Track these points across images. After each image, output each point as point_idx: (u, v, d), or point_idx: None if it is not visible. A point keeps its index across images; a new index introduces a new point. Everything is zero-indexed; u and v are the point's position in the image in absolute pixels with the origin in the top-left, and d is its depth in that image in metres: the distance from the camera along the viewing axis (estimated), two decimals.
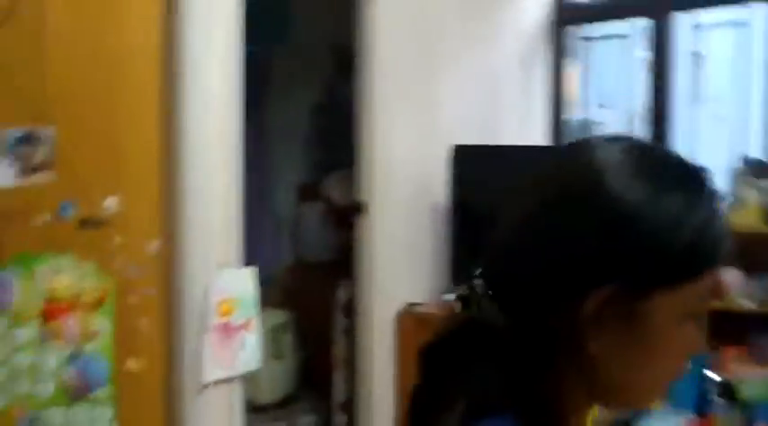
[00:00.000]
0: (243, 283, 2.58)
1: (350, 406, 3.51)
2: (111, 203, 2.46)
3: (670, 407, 3.08)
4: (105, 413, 2.41)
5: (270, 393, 3.73)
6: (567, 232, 0.67)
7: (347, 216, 3.76)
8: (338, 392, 3.57)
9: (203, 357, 2.46)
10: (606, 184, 0.67)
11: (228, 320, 2.53)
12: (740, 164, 3.58)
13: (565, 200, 0.69)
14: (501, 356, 0.68)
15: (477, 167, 3.25)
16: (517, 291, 0.69)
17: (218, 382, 2.52)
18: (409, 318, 3.18)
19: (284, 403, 3.89)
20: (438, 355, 0.72)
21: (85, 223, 2.45)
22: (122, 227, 2.45)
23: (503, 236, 0.73)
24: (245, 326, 2.57)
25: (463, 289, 0.72)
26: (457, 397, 0.67)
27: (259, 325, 2.61)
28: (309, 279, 4.02)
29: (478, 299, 0.70)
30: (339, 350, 3.56)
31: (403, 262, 3.24)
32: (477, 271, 0.73)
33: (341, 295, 3.55)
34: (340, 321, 3.56)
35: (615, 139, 0.74)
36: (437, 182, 3.32)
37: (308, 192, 4.25)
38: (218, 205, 2.56)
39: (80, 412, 2.43)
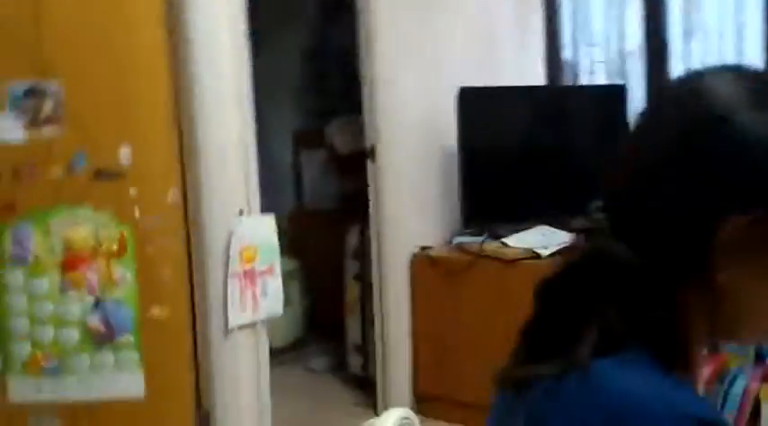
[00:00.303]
0: (264, 230, 2.60)
1: (364, 348, 3.57)
2: (124, 154, 2.45)
3: None
4: (131, 357, 2.45)
5: (280, 338, 3.78)
6: (701, 165, 0.68)
7: (352, 162, 3.78)
8: (352, 335, 3.63)
9: (228, 303, 2.48)
10: (733, 116, 0.68)
11: (251, 266, 2.55)
12: None
13: (695, 135, 0.69)
14: (627, 289, 0.68)
15: (483, 109, 3.26)
16: (646, 224, 0.70)
17: (242, 327, 2.56)
18: (422, 261, 3.22)
19: (294, 347, 3.96)
20: (559, 290, 0.72)
21: (100, 174, 2.44)
22: (138, 178, 2.45)
23: (629, 171, 0.73)
24: (267, 272, 2.59)
25: (585, 222, 0.73)
26: (585, 331, 0.68)
27: (280, 271, 2.64)
28: (314, 226, 4.05)
29: (601, 233, 0.71)
30: (351, 294, 3.61)
31: (413, 206, 3.27)
32: (597, 204, 0.73)
33: (351, 240, 3.58)
34: (351, 266, 3.60)
35: (725, 69, 0.75)
36: (444, 125, 3.33)
37: (307, 140, 4.25)
38: (233, 152, 2.55)
39: (106, 356, 2.46)
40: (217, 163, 2.49)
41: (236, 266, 2.51)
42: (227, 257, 2.49)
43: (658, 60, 3.98)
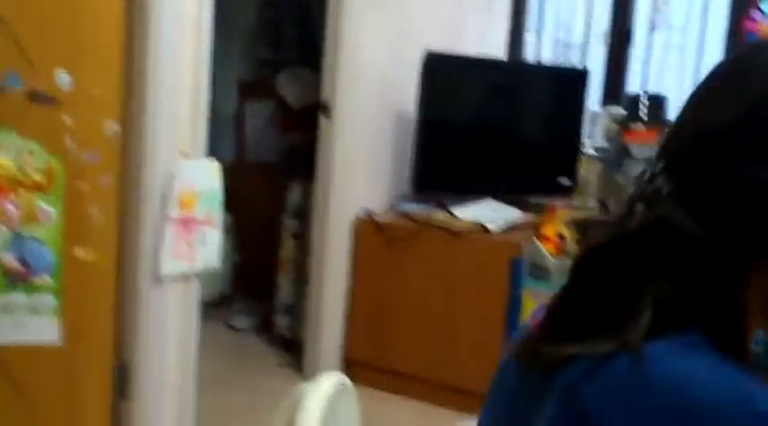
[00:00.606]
0: (207, 176, 2.43)
1: (294, 309, 3.45)
2: (63, 79, 2.23)
3: None
4: (48, 301, 2.26)
5: (204, 293, 3.61)
6: None
7: (301, 116, 3.62)
8: (282, 294, 3.50)
9: (161, 248, 2.32)
10: None
11: (189, 213, 2.39)
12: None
13: None
14: (689, 263, 0.61)
15: (447, 76, 3.15)
16: (715, 192, 0.62)
17: (173, 277, 2.40)
18: (366, 225, 3.11)
19: (218, 304, 3.80)
20: (608, 261, 0.63)
21: (34, 97, 2.22)
22: (76, 106, 2.24)
23: (700, 132, 0.65)
24: (206, 221, 2.43)
25: (644, 188, 0.64)
26: (638, 308, 0.59)
27: (220, 222, 2.48)
28: (253, 180, 3.87)
29: (663, 199, 0.63)
30: (286, 252, 3.47)
31: (362, 168, 3.15)
32: (659, 168, 0.64)
33: (292, 197, 3.43)
34: (289, 223, 3.46)
35: None
36: (402, 87, 3.21)
37: (254, 90, 4.05)
38: (184, 92, 2.37)
39: (19, 297, 2.26)
40: (164, 100, 2.30)
41: (173, 211, 2.34)
42: (165, 201, 2.32)
43: (620, 48, 3.95)
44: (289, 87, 3.60)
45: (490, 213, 3.09)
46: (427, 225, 3.02)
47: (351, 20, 2.95)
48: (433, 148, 3.14)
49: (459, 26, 3.66)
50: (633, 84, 3.92)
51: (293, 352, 3.38)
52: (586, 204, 3.66)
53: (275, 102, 3.78)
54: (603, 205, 3.76)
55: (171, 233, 2.34)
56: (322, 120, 3.06)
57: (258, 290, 3.71)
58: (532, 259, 2.88)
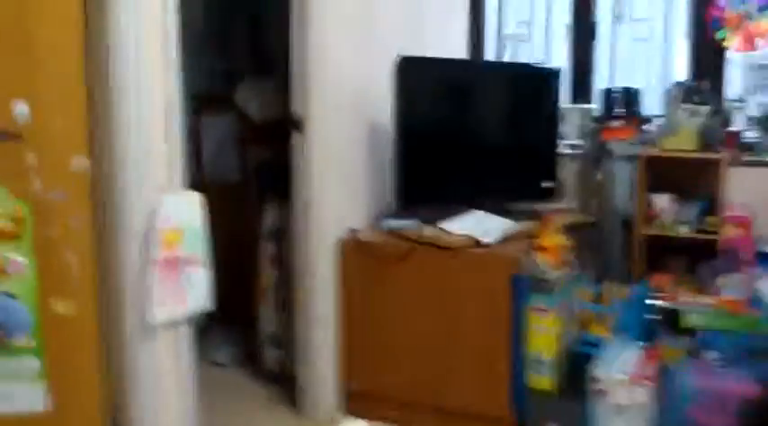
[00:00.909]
0: (189, 210, 2.20)
1: (280, 340, 3.23)
2: (20, 111, 1.96)
3: (621, 337, 3.06)
4: (29, 364, 1.99)
5: None
6: None
7: (265, 131, 3.39)
8: (265, 324, 3.26)
9: (148, 295, 2.07)
10: None
11: (174, 252, 2.14)
12: (672, 88, 3.58)
13: None
14: None
15: (422, 81, 2.98)
16: None
17: (164, 327, 2.15)
18: (352, 245, 2.92)
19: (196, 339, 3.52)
20: None
21: None
22: (38, 141, 1.97)
23: None
24: (192, 260, 2.19)
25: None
26: None
27: (207, 258, 2.25)
28: (215, 202, 3.60)
29: None
30: (266, 278, 3.24)
31: (341, 185, 2.95)
32: None
33: (267, 218, 3.20)
34: (266, 247, 3.22)
35: None
36: (377, 97, 3.03)
37: (209, 104, 3.78)
38: (156, 116, 2.12)
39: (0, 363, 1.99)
40: (136, 127, 2.05)
41: (157, 252, 2.09)
42: (146, 241, 2.07)
43: (585, 43, 3.88)
44: (249, 100, 3.36)
45: (480, 225, 2.94)
46: (418, 242, 2.85)
47: (317, 28, 2.75)
48: (414, 159, 2.96)
49: (421, 29, 3.50)
50: (600, 80, 3.86)
51: (283, 386, 3.16)
52: (569, 205, 3.57)
53: (233, 116, 3.53)
54: (584, 205, 3.68)
55: (156, 276, 2.10)
56: (294, 135, 2.84)
57: (237, 321, 3.46)
58: (533, 273, 2.75)
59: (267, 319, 3.23)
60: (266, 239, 3.20)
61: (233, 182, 3.66)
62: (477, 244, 2.81)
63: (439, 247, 2.80)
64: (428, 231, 2.89)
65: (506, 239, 2.88)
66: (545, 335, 2.81)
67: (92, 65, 2.02)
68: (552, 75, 3.41)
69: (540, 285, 2.75)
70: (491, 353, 2.74)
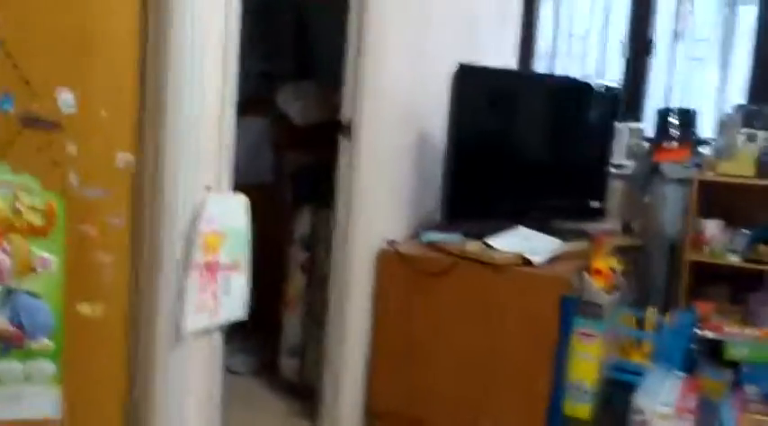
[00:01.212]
0: (234, 213, 2.09)
1: (303, 350, 3.11)
2: (65, 100, 1.86)
3: (661, 365, 2.93)
4: (46, 368, 1.88)
5: None
6: None
7: (306, 135, 3.29)
8: (289, 334, 3.15)
9: (185, 301, 1.96)
10: None
11: (214, 257, 2.03)
12: (730, 111, 3.44)
13: None
14: None
15: (479, 91, 2.86)
16: None
17: (196, 336, 2.04)
18: (391, 257, 2.79)
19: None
20: None
21: (30, 122, 1.85)
22: (80, 132, 1.87)
23: None
24: (233, 266, 2.08)
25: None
26: None
27: (248, 265, 2.13)
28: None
29: None
30: (294, 287, 3.12)
31: (386, 194, 2.83)
32: None
33: (300, 226, 3.09)
34: (297, 254, 3.11)
35: None
36: (428, 106, 2.91)
37: (247, 106, 3.67)
38: (207, 114, 2.02)
39: (13, 365, 1.88)
40: (186, 125, 1.94)
41: (198, 256, 1.98)
42: (188, 244, 1.96)
43: (640, 60, 3.74)
44: (292, 103, 3.25)
45: (527, 242, 2.80)
46: (461, 257, 2.72)
47: (374, 33, 2.64)
48: (465, 171, 2.84)
49: (475, 39, 3.38)
50: (653, 98, 3.72)
51: (302, 399, 3.04)
52: (614, 227, 3.43)
53: (272, 118, 3.43)
54: (628, 227, 3.54)
55: (196, 281, 1.98)
56: (341, 140, 2.73)
57: (259, 329, 3.34)
58: (583, 295, 2.61)
59: (291, 328, 3.11)
60: (297, 245, 3.09)
61: (266, 185, 3.55)
62: (525, 262, 2.68)
63: (483, 263, 2.67)
64: (472, 246, 2.76)
65: (554, 259, 2.75)
66: (588, 362, 2.67)
67: (149, 60, 1.92)
68: (609, 92, 3.28)
69: (588, 309, 2.61)
70: (531, 377, 2.60)
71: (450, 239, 2.83)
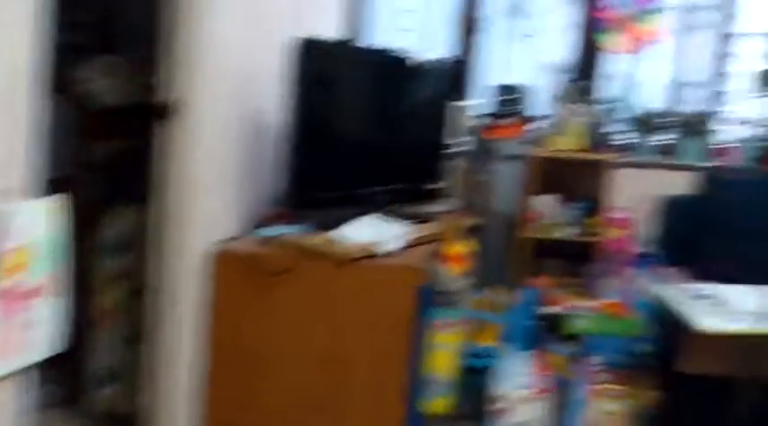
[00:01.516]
0: (43, 222, 1.68)
1: (117, 373, 2.71)
2: None
3: (511, 346, 2.90)
4: None
5: None
6: None
7: (114, 119, 2.85)
8: (101, 355, 2.72)
9: None
10: None
11: (19, 279, 1.62)
12: (560, 87, 3.45)
13: None
14: None
15: (324, 68, 2.60)
16: None
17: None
18: (225, 257, 2.48)
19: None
20: None
21: None
22: None
23: None
24: (44, 288, 1.68)
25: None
26: None
27: (65, 282, 1.74)
28: None
29: None
30: (105, 301, 2.70)
31: (214, 186, 2.51)
32: None
33: (113, 227, 2.67)
34: (109, 262, 2.69)
35: None
36: (264, 85, 2.61)
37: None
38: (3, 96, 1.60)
39: None
40: None
41: None
42: None
43: (473, 35, 3.68)
44: (99, 82, 2.78)
45: (375, 231, 2.61)
46: (305, 252, 2.47)
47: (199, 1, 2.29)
48: (307, 156, 2.58)
49: (299, 12, 3.11)
50: (489, 76, 3.66)
51: None
52: (455, 207, 3.34)
53: (74, 98, 2.93)
54: (469, 206, 3.47)
55: None
56: (157, 125, 2.36)
57: (64, 352, 2.85)
58: (438, 284, 2.48)
59: (103, 348, 2.69)
60: (108, 252, 2.67)
61: (67, 179, 3.05)
62: (373, 254, 2.48)
63: (327, 258, 2.44)
64: (315, 239, 2.52)
65: (405, 247, 2.58)
66: (446, 353, 2.56)
67: None
68: (443, 69, 3.15)
69: (444, 297, 2.48)
70: (385, 377, 2.43)
71: (291, 232, 2.58)
